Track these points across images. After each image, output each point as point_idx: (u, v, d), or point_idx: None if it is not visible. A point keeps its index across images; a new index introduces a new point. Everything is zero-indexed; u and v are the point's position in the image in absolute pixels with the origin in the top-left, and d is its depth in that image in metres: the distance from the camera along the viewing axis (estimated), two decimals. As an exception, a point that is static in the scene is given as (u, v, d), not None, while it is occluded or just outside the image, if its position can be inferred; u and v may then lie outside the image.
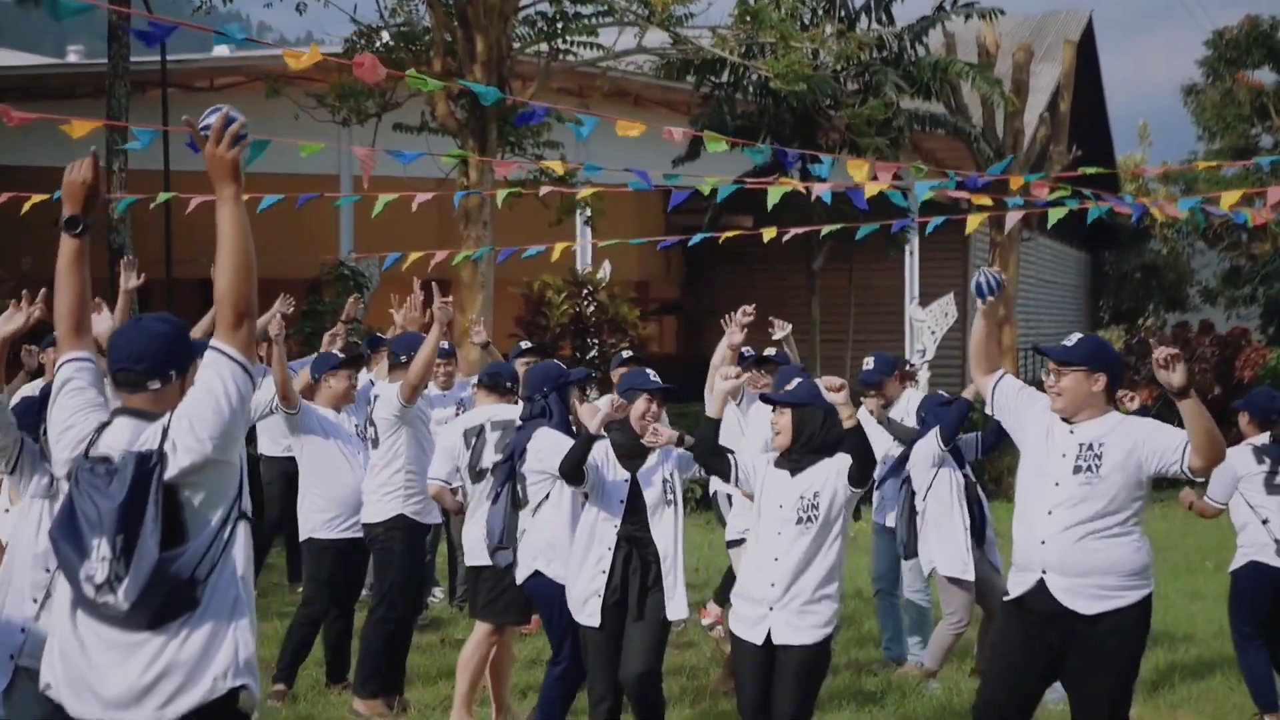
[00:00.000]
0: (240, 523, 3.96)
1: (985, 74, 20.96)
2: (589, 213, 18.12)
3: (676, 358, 26.67)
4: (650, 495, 6.94)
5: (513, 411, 7.84)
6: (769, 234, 11.27)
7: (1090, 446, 5.90)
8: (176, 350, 4.07)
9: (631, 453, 6.95)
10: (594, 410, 6.80)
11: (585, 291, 19.04)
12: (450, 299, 8.31)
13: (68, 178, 4.16)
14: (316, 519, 8.67)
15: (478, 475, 7.94)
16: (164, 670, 3.84)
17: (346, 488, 8.57)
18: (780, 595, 6.36)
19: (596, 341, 18.77)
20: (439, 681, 8.98)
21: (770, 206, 9.64)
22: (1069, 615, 5.89)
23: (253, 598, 4.02)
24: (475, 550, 7.89)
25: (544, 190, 11.78)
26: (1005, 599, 6.21)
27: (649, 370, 7.23)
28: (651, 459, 7.00)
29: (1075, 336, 6.13)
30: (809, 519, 6.39)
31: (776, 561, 6.38)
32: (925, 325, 20.90)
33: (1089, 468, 5.87)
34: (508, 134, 16.36)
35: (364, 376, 9.60)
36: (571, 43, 17.16)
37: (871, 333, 22.73)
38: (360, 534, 8.57)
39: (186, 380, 4.02)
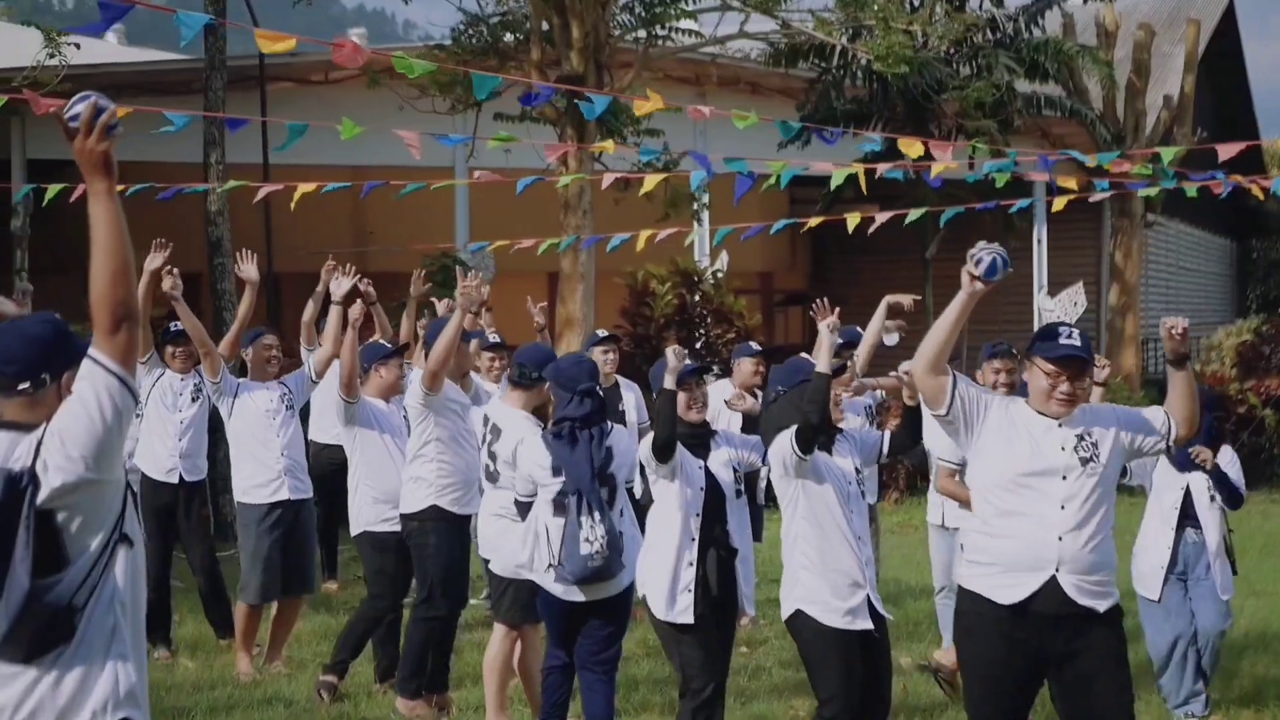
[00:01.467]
0: (121, 545, 3.73)
1: (1095, 54, 20.34)
2: (705, 199, 17.86)
3: (803, 348, 26.31)
4: (724, 485, 6.77)
5: (521, 421, 7.40)
6: (853, 220, 10.92)
7: (1083, 437, 5.50)
8: (52, 353, 3.81)
9: (688, 444, 6.74)
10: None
11: (692, 281, 18.74)
12: (477, 283, 8.03)
13: None
14: (371, 513, 8.50)
15: (491, 475, 7.60)
16: (38, 704, 3.65)
17: (398, 480, 8.39)
18: (871, 574, 6.33)
19: (703, 332, 18.47)
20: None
21: (834, 187, 9.36)
22: (1079, 615, 5.46)
23: (141, 623, 3.81)
24: (490, 546, 7.64)
25: (608, 180, 11.54)
26: (998, 604, 5.52)
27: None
28: (715, 449, 6.83)
29: (1075, 333, 5.52)
30: (863, 492, 6.40)
31: (859, 540, 6.27)
32: (1054, 314, 20.44)
33: (1092, 457, 5.48)
34: (608, 123, 16.14)
35: None
36: (670, 29, 16.91)
37: (995, 322, 22.02)
38: None
39: (64, 386, 3.78)
